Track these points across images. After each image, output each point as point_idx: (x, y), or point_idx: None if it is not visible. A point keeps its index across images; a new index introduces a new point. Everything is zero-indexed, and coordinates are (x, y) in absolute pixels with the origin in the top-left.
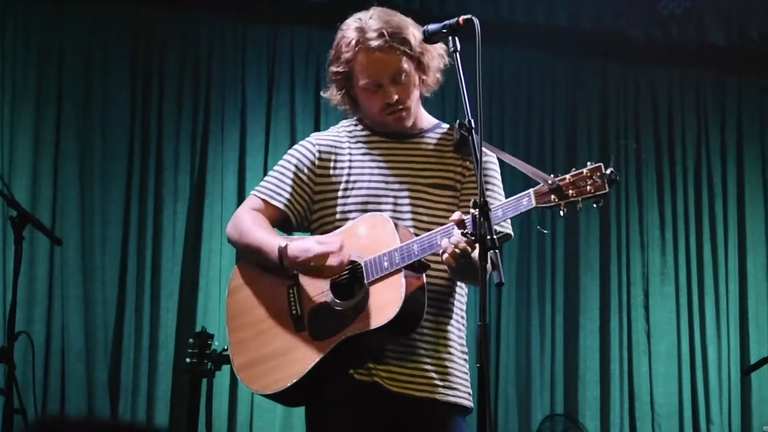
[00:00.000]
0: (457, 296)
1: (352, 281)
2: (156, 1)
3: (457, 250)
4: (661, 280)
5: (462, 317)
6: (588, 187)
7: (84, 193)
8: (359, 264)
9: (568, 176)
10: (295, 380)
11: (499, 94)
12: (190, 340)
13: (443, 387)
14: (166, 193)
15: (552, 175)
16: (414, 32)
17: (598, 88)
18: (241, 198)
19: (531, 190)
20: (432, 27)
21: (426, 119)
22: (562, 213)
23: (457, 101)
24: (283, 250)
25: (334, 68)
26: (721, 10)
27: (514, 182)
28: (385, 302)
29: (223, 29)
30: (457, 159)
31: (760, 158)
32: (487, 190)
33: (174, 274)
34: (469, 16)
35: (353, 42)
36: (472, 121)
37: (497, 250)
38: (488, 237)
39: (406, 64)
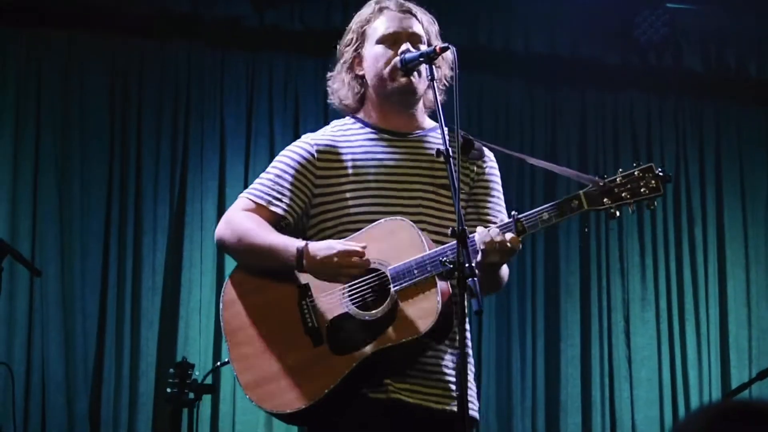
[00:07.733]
0: None
1: (372, 290)
2: (133, 30)
3: (508, 245)
4: (641, 306)
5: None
6: (642, 189)
7: (63, 223)
8: (382, 271)
9: (618, 177)
10: (318, 398)
11: (477, 121)
12: (171, 370)
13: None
14: (146, 223)
15: (598, 177)
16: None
17: (577, 115)
18: None
19: (580, 192)
20: (409, 56)
21: (427, 120)
22: (615, 216)
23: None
24: (304, 249)
25: (344, 43)
26: (698, 36)
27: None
28: (420, 312)
29: (201, 57)
30: (464, 161)
31: (738, 183)
32: (492, 197)
33: (154, 304)
34: (446, 44)
35: (371, 7)
36: (450, 149)
37: (476, 278)
38: (467, 265)
39: (425, 36)
